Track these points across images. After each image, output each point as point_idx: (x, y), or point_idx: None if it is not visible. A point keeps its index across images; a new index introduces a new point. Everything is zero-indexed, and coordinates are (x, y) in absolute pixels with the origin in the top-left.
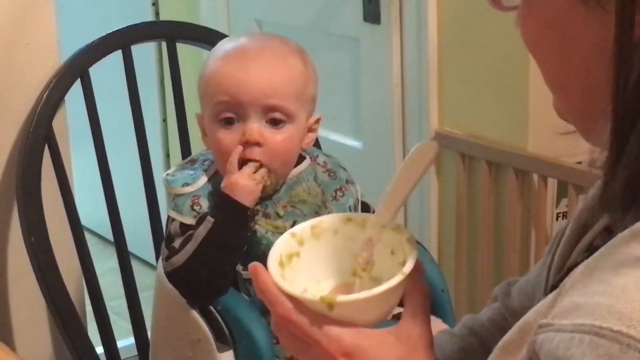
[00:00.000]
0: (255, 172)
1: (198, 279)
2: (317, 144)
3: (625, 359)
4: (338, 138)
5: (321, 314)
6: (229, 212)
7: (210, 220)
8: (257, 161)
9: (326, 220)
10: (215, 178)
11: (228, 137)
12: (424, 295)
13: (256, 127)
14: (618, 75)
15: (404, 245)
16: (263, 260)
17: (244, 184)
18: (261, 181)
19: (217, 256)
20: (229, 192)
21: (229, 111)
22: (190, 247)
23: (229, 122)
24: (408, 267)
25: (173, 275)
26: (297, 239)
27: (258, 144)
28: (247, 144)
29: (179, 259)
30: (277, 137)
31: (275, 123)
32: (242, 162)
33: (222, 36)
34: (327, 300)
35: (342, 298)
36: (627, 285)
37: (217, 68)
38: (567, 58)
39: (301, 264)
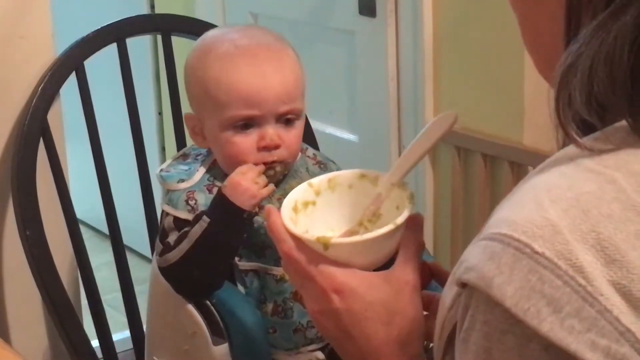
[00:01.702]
0: (258, 176)
1: (191, 276)
2: (312, 137)
3: (503, 254)
4: (333, 131)
5: (318, 253)
6: (226, 214)
7: (205, 220)
8: (274, 162)
9: (342, 174)
10: (211, 172)
11: (245, 141)
12: (418, 245)
13: (273, 131)
14: (568, 34)
15: (405, 201)
16: (260, 249)
17: (246, 187)
18: (264, 186)
19: (211, 256)
20: (229, 194)
21: (246, 120)
22: (185, 246)
23: (245, 127)
24: (400, 219)
25: (167, 271)
26: (314, 189)
27: (277, 147)
28: (265, 148)
29: (173, 255)
30: (290, 135)
31: (287, 122)
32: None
33: None
34: (323, 241)
35: (335, 240)
36: (523, 202)
37: (230, 76)
38: (536, 17)
39: (317, 212)
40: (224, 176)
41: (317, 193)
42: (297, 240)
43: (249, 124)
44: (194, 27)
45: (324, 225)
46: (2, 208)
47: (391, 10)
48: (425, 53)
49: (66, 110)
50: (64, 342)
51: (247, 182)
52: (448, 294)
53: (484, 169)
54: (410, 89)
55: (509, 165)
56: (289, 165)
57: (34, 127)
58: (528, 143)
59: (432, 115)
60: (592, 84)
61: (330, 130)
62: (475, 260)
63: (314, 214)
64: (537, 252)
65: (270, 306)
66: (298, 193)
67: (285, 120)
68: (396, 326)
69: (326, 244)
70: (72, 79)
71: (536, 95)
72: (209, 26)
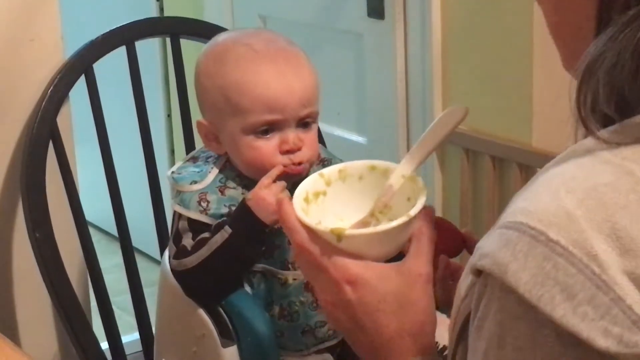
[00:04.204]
0: (282, 192)
1: (206, 283)
2: (321, 139)
3: (518, 242)
4: (342, 133)
5: (332, 244)
6: (248, 227)
7: (227, 230)
8: (299, 163)
9: (352, 165)
10: (224, 173)
11: (268, 146)
12: (429, 238)
13: (294, 134)
14: (599, 28)
15: (416, 193)
16: (269, 250)
17: (271, 202)
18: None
19: (228, 265)
20: (252, 207)
21: (268, 124)
22: (204, 253)
23: (265, 132)
24: (413, 211)
25: (181, 275)
26: (324, 180)
27: (299, 149)
28: (289, 152)
29: (191, 261)
30: (309, 137)
31: (305, 126)
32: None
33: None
34: (336, 233)
35: (349, 231)
36: (539, 192)
37: (252, 81)
38: (562, 9)
39: (327, 202)
40: (236, 177)
41: (328, 183)
42: (310, 231)
43: (270, 129)
44: (203, 30)
45: (334, 215)
46: (12, 210)
47: (399, 13)
48: (434, 55)
49: (75, 113)
50: (73, 344)
51: (270, 197)
52: (463, 284)
53: (492, 171)
54: (419, 91)
55: (517, 167)
56: (313, 165)
57: (44, 130)
58: (537, 145)
59: None
60: (616, 77)
61: (339, 132)
62: (491, 247)
63: (324, 204)
64: (552, 240)
65: (276, 309)
66: (309, 183)
67: (304, 123)
68: (408, 318)
69: (340, 236)
70: (82, 82)
71: (545, 96)
72: (217, 29)
